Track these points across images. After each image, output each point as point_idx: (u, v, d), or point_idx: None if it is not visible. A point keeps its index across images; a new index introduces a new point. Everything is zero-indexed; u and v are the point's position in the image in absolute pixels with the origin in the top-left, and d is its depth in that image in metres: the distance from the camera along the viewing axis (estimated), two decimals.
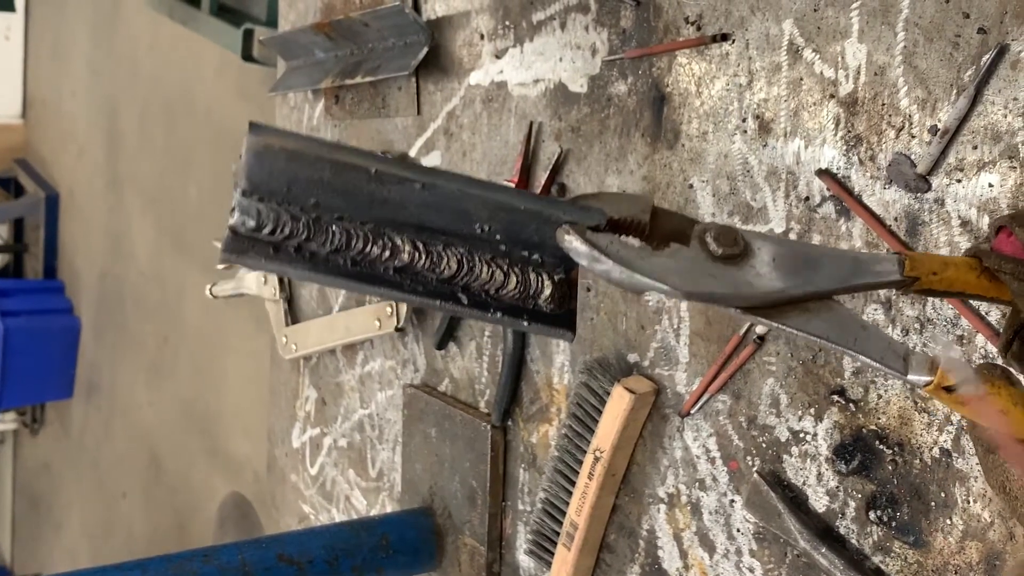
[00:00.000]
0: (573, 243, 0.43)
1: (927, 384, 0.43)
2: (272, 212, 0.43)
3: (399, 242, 0.44)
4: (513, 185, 1.15)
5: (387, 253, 0.44)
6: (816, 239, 0.89)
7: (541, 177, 1.16)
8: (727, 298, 0.43)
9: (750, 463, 0.95)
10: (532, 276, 0.45)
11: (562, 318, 0.46)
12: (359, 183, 0.43)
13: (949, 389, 0.43)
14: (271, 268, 0.43)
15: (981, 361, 0.76)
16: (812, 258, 0.45)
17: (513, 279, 0.45)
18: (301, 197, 0.43)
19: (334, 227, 0.44)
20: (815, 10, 0.87)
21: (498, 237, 0.44)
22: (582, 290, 1.12)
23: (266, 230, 0.43)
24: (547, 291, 0.46)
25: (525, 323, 0.45)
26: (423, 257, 0.44)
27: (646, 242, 0.44)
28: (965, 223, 0.78)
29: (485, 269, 0.45)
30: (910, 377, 0.43)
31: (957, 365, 0.44)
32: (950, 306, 0.79)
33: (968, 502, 0.78)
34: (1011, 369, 0.49)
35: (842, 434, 0.87)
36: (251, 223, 0.43)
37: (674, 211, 0.45)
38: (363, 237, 0.44)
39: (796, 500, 0.91)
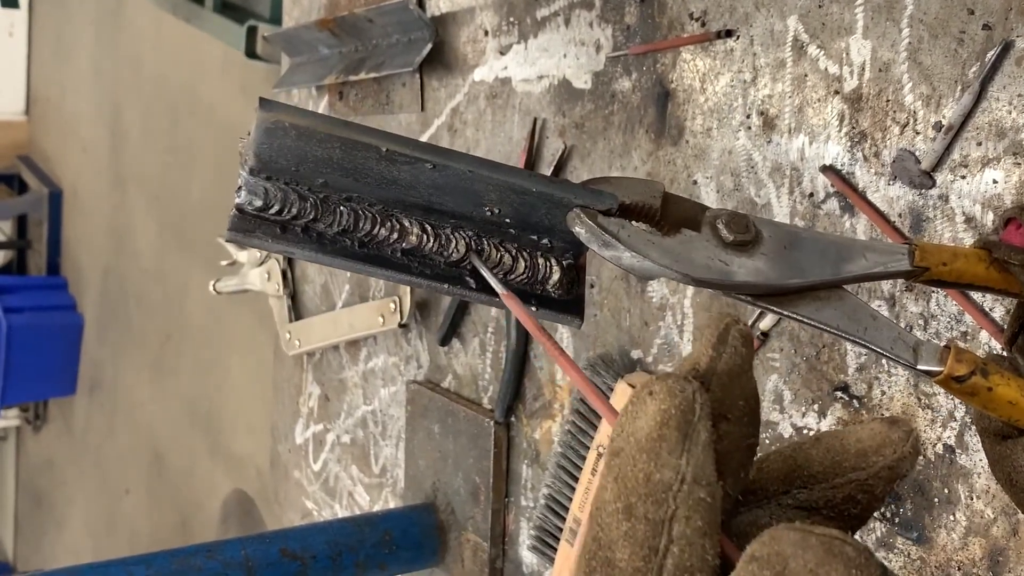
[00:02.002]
0: (584, 227, 0.42)
1: (937, 375, 0.43)
2: (279, 191, 0.43)
3: (407, 224, 0.44)
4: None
5: (395, 235, 0.44)
6: None
7: (545, 173, 1.16)
8: (737, 285, 0.43)
9: None
10: (541, 261, 0.45)
11: (570, 304, 0.46)
12: (369, 163, 0.42)
13: (959, 380, 0.43)
14: (278, 248, 0.43)
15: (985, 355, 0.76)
16: (823, 246, 0.45)
17: (522, 263, 0.45)
18: (309, 176, 0.43)
19: (342, 208, 0.43)
20: (820, 6, 0.87)
21: (507, 220, 0.44)
22: (586, 286, 1.12)
23: (273, 210, 0.43)
24: (555, 276, 0.45)
25: (533, 308, 0.45)
26: (431, 240, 0.44)
27: (657, 228, 0.44)
28: (969, 219, 0.78)
29: (494, 253, 0.45)
30: (920, 367, 0.43)
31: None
32: (954, 302, 0.79)
33: (971, 498, 0.78)
34: (1019, 360, 0.49)
35: None
36: (258, 202, 0.43)
37: (685, 197, 0.44)
38: (371, 218, 0.43)
39: None
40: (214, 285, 1.72)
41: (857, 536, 0.35)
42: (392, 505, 1.49)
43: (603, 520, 0.34)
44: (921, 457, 0.82)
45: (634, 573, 0.33)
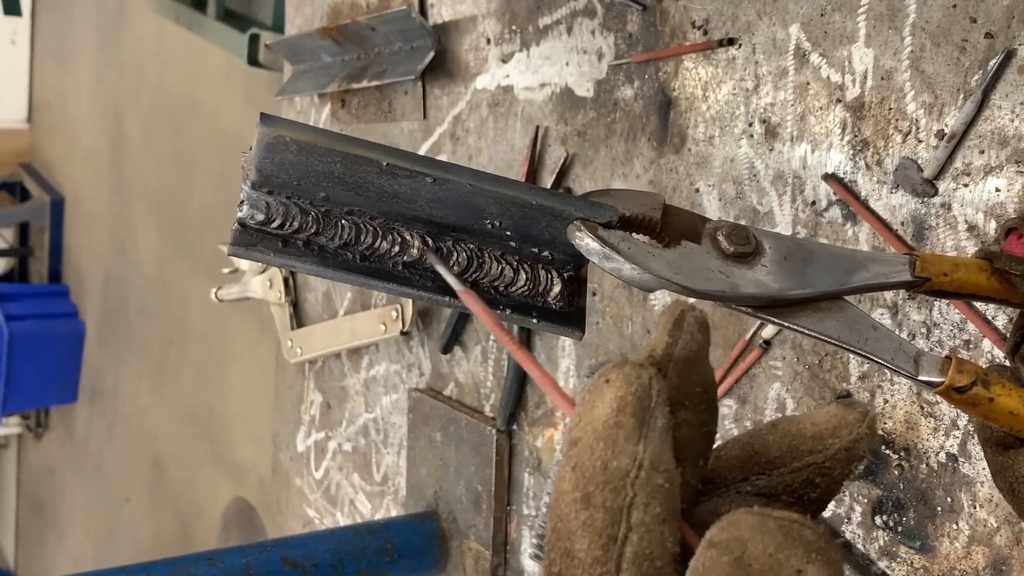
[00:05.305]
0: (584, 240, 0.43)
1: (938, 385, 0.43)
2: (281, 205, 0.43)
3: (408, 237, 0.44)
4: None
5: (396, 248, 0.44)
6: None
7: (547, 181, 1.16)
8: (738, 297, 0.43)
9: None
10: (542, 273, 0.45)
11: (571, 316, 0.46)
12: (370, 177, 0.43)
13: (960, 390, 0.43)
14: (280, 262, 0.43)
15: (988, 365, 0.76)
16: (823, 257, 0.45)
17: (523, 276, 0.45)
18: (311, 190, 0.43)
19: (344, 221, 0.43)
20: (822, 15, 0.87)
21: (508, 233, 0.44)
22: (588, 294, 1.12)
23: (275, 223, 0.43)
24: (556, 288, 0.45)
25: (534, 320, 0.45)
26: (433, 253, 0.44)
27: (657, 240, 0.44)
28: (972, 228, 0.78)
29: (495, 265, 0.45)
30: (921, 378, 0.43)
31: None
32: (956, 311, 0.79)
33: (974, 507, 0.78)
34: (1022, 370, 0.49)
35: None
36: (260, 216, 0.43)
37: (685, 209, 0.45)
38: (372, 232, 0.44)
39: None
40: (216, 293, 1.72)
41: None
42: (394, 513, 1.49)
43: (562, 511, 0.33)
44: (924, 465, 0.81)
45: (593, 563, 0.32)
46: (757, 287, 0.43)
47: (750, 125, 0.94)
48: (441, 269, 0.44)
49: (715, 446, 0.39)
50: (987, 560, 0.78)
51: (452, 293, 0.45)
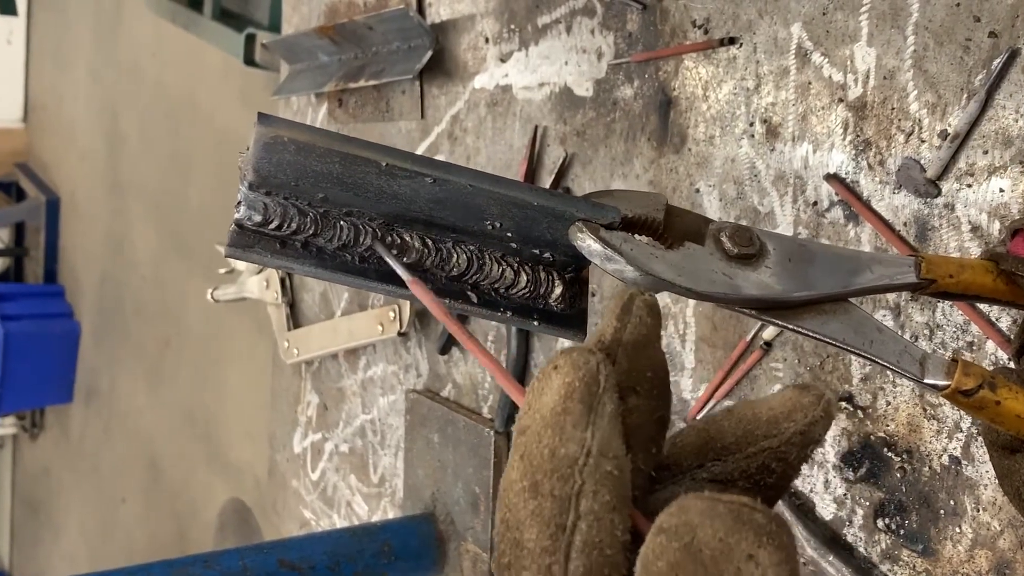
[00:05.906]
0: (586, 241, 0.42)
1: (944, 388, 0.42)
2: (279, 206, 0.42)
3: (408, 238, 0.43)
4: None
5: (395, 250, 0.43)
6: None
7: (546, 181, 1.16)
8: (741, 299, 0.42)
9: None
10: (543, 275, 0.45)
11: (572, 318, 0.46)
12: (369, 177, 0.42)
13: (967, 393, 0.42)
14: (277, 264, 0.43)
15: (992, 367, 0.76)
16: (827, 259, 0.45)
17: (523, 278, 0.44)
18: (309, 191, 0.42)
19: (342, 222, 0.43)
20: (824, 14, 0.86)
21: (509, 234, 0.44)
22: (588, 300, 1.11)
23: (272, 225, 0.42)
24: (558, 290, 0.45)
25: (535, 323, 0.45)
26: (432, 254, 0.43)
27: (660, 241, 0.43)
28: (975, 228, 0.77)
29: (495, 267, 0.44)
30: (927, 381, 0.43)
31: None
32: (960, 312, 0.78)
33: (977, 510, 0.78)
34: None
35: (850, 441, 0.87)
36: (257, 217, 0.42)
37: (688, 210, 0.44)
38: (371, 233, 0.43)
39: (803, 507, 0.90)
40: (212, 293, 1.71)
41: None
42: (391, 515, 1.48)
43: (510, 500, 0.33)
44: (926, 468, 0.81)
45: (542, 553, 0.32)
46: (761, 289, 0.43)
47: (751, 125, 0.93)
48: (385, 255, 0.43)
49: (671, 433, 0.38)
50: (990, 564, 0.77)
51: (451, 295, 0.44)
